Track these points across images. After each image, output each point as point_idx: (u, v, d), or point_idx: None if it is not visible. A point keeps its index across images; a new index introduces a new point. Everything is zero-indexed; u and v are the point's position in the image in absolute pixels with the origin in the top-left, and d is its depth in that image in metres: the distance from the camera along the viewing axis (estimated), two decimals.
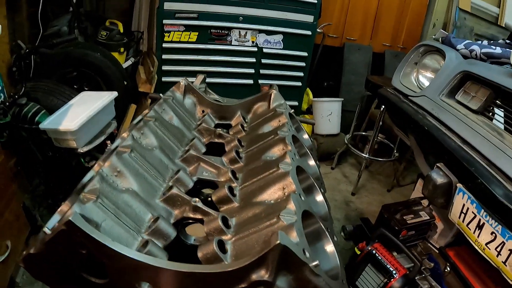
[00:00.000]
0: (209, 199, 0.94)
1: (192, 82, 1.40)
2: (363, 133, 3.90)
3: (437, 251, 2.39)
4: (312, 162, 1.11)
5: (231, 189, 0.90)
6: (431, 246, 2.46)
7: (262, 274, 0.61)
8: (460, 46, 2.11)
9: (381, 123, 3.17)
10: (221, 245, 0.74)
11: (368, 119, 3.81)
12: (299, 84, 3.58)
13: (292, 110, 1.29)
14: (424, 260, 2.24)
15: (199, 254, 0.73)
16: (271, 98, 1.34)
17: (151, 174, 0.91)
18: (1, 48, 2.35)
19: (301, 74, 3.56)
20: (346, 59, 4.16)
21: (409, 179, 3.80)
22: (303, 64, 3.51)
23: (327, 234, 0.81)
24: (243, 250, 0.73)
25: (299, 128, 1.28)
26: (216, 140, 1.19)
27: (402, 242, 2.13)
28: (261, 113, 1.34)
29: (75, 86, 2.84)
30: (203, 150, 1.12)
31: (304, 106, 4.03)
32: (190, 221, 0.85)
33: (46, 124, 2.07)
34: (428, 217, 2.41)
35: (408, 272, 2.01)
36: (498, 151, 1.58)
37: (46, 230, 0.75)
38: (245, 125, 1.28)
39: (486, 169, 1.58)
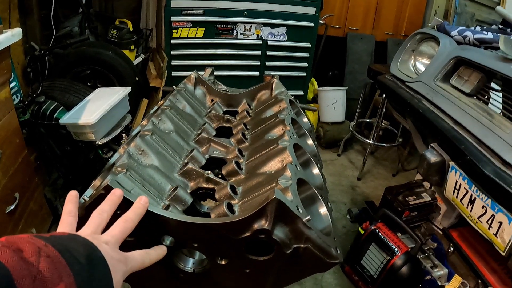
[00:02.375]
0: (219, 175, 1.09)
1: (202, 75, 1.55)
2: (368, 120, 4.01)
3: (441, 232, 2.48)
4: (310, 141, 1.25)
5: (238, 164, 1.05)
6: (434, 227, 2.54)
7: (262, 223, 0.76)
8: (454, 33, 2.20)
9: (384, 110, 3.27)
10: (230, 207, 0.89)
11: (372, 106, 3.92)
12: (304, 74, 3.71)
13: (293, 97, 1.43)
14: (428, 240, 2.33)
15: (212, 216, 0.88)
16: (273, 87, 1.49)
17: (170, 153, 1.06)
18: (15, 50, 2.46)
19: (306, 64, 3.68)
20: (349, 49, 4.26)
21: (414, 164, 3.88)
22: (307, 55, 3.63)
23: (320, 198, 0.95)
24: (247, 210, 0.87)
25: (299, 112, 1.42)
26: (225, 125, 1.34)
27: (406, 223, 2.22)
28: (264, 100, 1.48)
29: (88, 84, 3.00)
30: (214, 133, 1.28)
31: (310, 96, 4.14)
32: (204, 191, 1.00)
33: (66, 119, 2.22)
34: (430, 198, 2.47)
35: (409, 250, 2.12)
36: (487, 130, 1.68)
37: (85, 197, 0.90)
38: (250, 111, 1.43)
39: (475, 147, 1.68)
